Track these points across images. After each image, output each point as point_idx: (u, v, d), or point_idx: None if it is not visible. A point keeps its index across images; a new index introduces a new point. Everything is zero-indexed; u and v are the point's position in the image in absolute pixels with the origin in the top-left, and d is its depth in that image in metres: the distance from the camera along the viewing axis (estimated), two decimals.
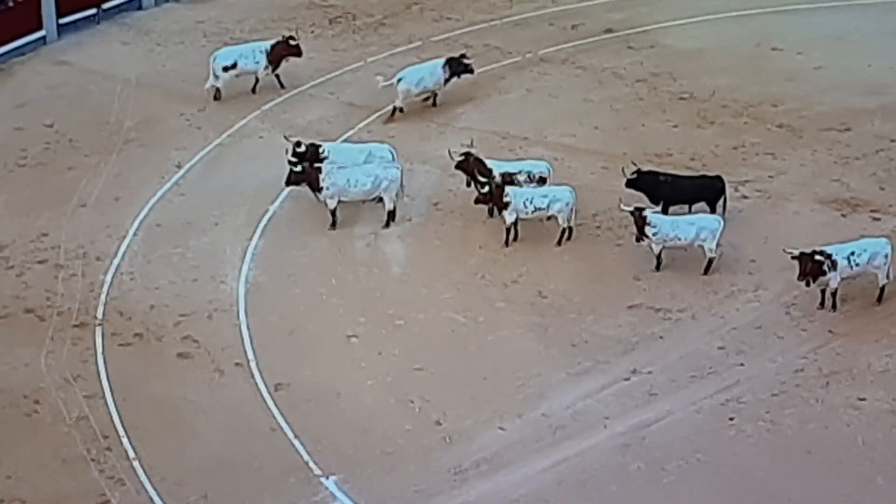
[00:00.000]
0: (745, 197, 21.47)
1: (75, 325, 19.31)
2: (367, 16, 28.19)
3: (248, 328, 19.19)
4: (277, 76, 25.04)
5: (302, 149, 21.40)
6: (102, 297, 19.84)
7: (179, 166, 23.16)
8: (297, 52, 25.00)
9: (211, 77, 24.88)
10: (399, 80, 24.09)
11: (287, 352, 18.75)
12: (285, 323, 19.33)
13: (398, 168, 21.48)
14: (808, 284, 18.93)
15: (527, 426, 17.29)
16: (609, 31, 26.97)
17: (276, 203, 22.03)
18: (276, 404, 17.74)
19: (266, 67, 24.87)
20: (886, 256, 18.93)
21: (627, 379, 18.00)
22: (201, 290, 19.99)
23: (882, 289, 19.04)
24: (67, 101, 25.25)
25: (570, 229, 20.62)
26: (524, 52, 26.41)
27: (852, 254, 18.82)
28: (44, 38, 27.33)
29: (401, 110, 24.21)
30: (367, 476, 16.61)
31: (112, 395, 17.92)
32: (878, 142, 22.73)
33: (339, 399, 17.85)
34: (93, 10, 28.14)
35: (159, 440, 17.16)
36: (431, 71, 24.30)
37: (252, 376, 18.28)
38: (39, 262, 20.66)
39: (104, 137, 24.02)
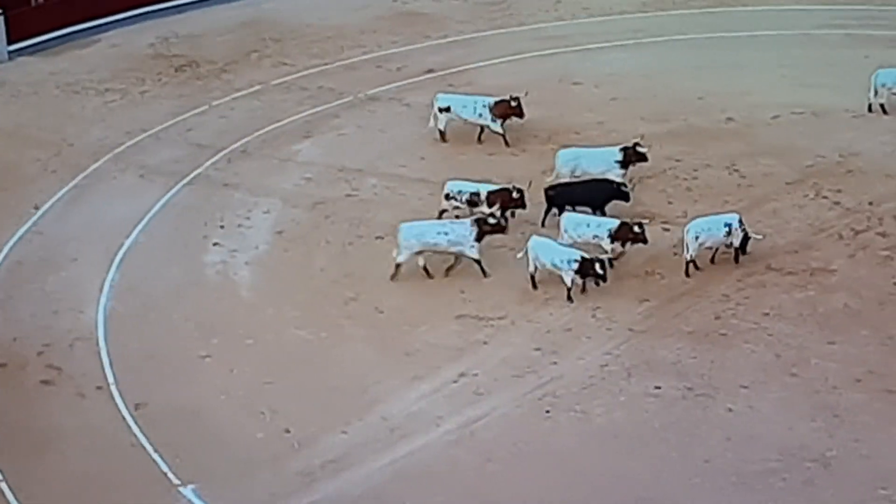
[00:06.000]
0: (555, 215, 22.09)
1: None
2: (210, 63, 28.11)
3: (108, 354, 18.97)
4: (503, 133, 24.09)
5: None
6: None
7: (37, 208, 22.75)
8: (518, 112, 23.93)
9: (432, 118, 24.34)
10: None
11: (145, 374, 18.60)
12: (143, 347, 19.18)
13: None
14: None
15: (367, 429, 17.49)
16: (430, 71, 27.47)
17: (131, 238, 21.83)
18: (136, 423, 17.58)
19: (494, 121, 23.95)
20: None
21: (456, 381, 18.35)
22: (62, 322, 19.69)
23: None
24: None
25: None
26: (355, 92, 26.66)
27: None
28: None
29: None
30: (223, 483, 16.60)
31: None
32: (665, 162, 23.49)
33: (195, 414, 17.79)
34: None
35: (26, 462, 16.84)
36: None
37: (113, 398, 18.08)
38: None
39: None
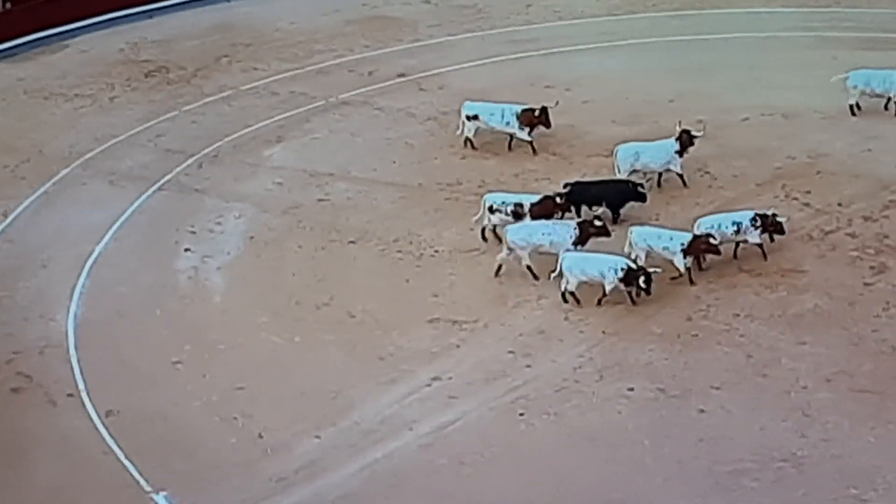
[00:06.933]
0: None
1: None
2: (180, 69, 28.03)
3: (79, 361, 18.90)
4: (531, 141, 23.78)
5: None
6: None
7: (6, 215, 22.63)
8: (545, 122, 23.53)
9: (462, 126, 24.01)
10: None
11: (117, 381, 18.54)
12: (114, 354, 19.11)
13: None
14: None
15: (341, 434, 17.51)
16: (402, 75, 27.51)
17: (102, 244, 21.75)
18: (107, 430, 17.53)
19: (522, 129, 23.60)
20: None
21: (429, 385, 18.40)
22: (32, 329, 19.59)
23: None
24: None
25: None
26: (327, 96, 26.66)
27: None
28: None
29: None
30: (196, 489, 16.58)
31: None
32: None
33: (167, 421, 17.75)
34: None
35: None
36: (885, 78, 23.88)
37: (84, 406, 18.02)
38: None
39: None
